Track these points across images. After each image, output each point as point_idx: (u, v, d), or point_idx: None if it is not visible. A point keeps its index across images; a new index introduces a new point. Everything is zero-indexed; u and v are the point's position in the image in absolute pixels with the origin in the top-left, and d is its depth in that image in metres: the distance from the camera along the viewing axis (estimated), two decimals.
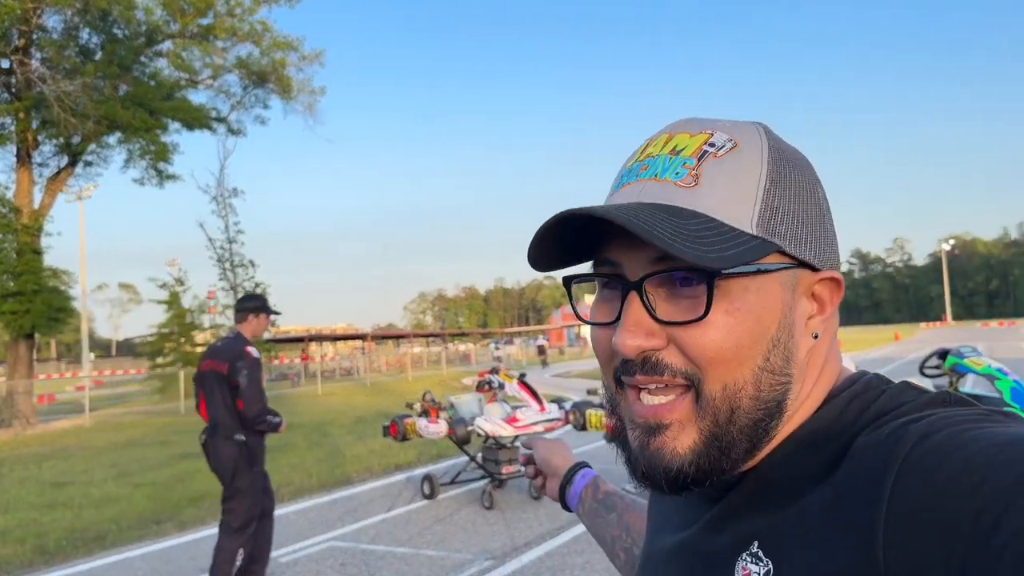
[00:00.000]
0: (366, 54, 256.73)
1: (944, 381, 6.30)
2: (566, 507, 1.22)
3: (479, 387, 8.72)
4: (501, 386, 8.47)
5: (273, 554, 6.40)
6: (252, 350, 5.15)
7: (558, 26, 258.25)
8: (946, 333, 60.28)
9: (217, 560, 5.03)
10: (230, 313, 37.21)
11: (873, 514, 0.50)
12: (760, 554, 0.59)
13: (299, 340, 49.03)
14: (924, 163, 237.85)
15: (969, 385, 6.05)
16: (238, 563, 5.07)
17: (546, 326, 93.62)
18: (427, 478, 8.24)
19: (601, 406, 7.28)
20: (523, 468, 1.32)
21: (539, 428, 7.84)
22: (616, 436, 0.70)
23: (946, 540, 0.46)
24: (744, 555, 0.60)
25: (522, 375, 8.48)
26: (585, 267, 0.70)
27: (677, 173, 0.63)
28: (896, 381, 0.64)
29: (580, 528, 6.64)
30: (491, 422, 7.81)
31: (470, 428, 7.83)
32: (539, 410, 7.89)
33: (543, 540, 6.35)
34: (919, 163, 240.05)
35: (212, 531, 7.34)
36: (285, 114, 54.70)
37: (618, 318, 0.63)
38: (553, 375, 30.15)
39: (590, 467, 1.23)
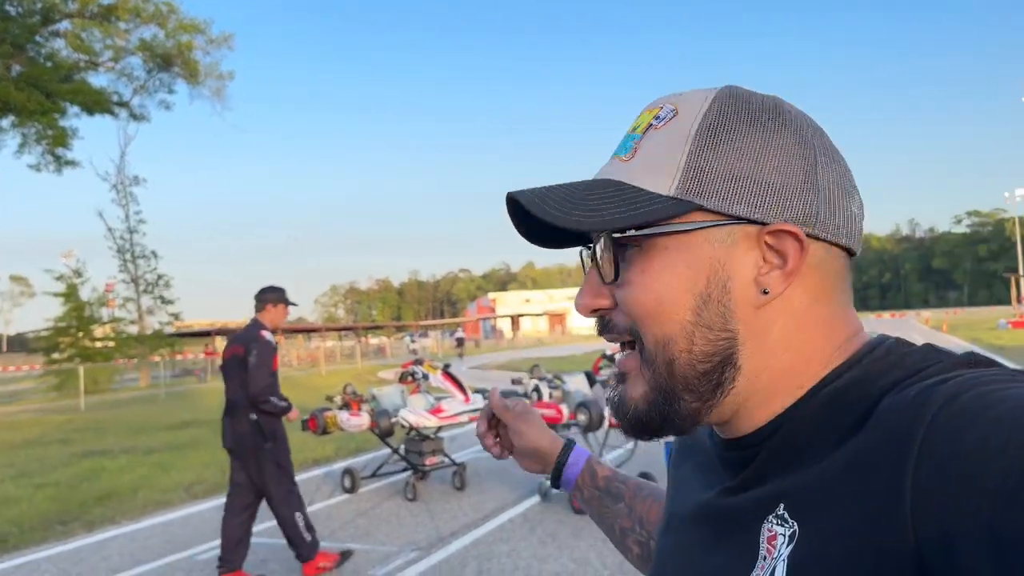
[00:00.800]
0: (280, 40, 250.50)
1: None
2: (557, 486, 1.15)
3: (402, 378, 8.64)
4: (425, 377, 8.42)
5: (189, 552, 6.23)
6: (267, 334, 5.44)
7: (473, 17, 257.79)
8: None
9: (287, 532, 5.47)
10: (131, 306, 35.80)
11: (900, 476, 0.50)
12: (786, 515, 0.59)
13: (204, 335, 47.41)
14: None
15: None
16: (301, 524, 5.47)
17: (461, 319, 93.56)
18: (347, 472, 8.14)
19: (525, 395, 7.36)
20: (478, 434, 1.17)
21: (464, 419, 7.85)
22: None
23: (974, 499, 0.45)
24: (770, 517, 0.60)
25: (446, 365, 8.45)
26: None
27: (625, 148, 0.68)
28: (920, 343, 0.64)
29: (506, 516, 6.71)
30: (415, 413, 7.76)
31: (394, 420, 7.75)
32: (464, 400, 7.89)
33: (469, 529, 6.36)
34: None
35: (124, 530, 7.11)
36: (191, 99, 52.92)
37: None
38: (470, 367, 30.17)
39: (576, 444, 1.15)
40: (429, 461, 7.91)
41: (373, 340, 62.44)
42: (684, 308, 0.63)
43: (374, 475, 8.33)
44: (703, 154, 0.63)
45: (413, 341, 41.25)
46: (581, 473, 1.11)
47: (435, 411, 7.84)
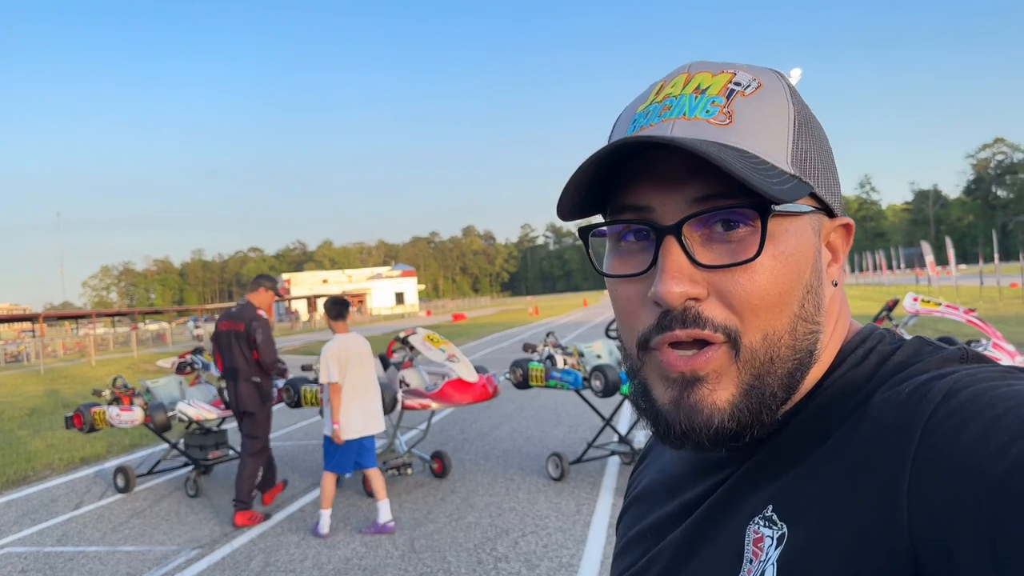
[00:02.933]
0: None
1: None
2: None
3: (180, 369, 8.15)
4: (206, 367, 8.00)
5: None
6: (262, 312, 6.47)
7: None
8: None
9: (242, 476, 6.27)
10: None
11: (897, 473, 0.49)
12: (774, 517, 0.56)
13: None
14: None
15: None
16: (257, 479, 6.38)
17: None
18: (120, 470, 7.59)
19: (315, 381, 7.20)
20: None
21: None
22: (635, 402, 0.65)
23: (974, 500, 0.44)
24: (756, 518, 0.58)
25: None
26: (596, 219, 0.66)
27: (708, 111, 0.60)
28: (908, 336, 0.63)
29: (296, 506, 6.58)
30: (195, 406, 7.37)
31: (171, 414, 7.32)
32: None
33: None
34: None
35: None
36: None
37: (649, 268, 0.59)
38: None
39: None
40: (212, 455, 7.57)
41: (151, 326, 58.22)
42: (795, 300, 0.59)
43: (151, 472, 7.85)
44: (804, 136, 0.61)
45: (197, 327, 38.82)
46: None
47: (217, 403, 7.50)
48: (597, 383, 6.59)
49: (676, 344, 0.59)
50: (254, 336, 6.37)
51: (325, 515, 5.77)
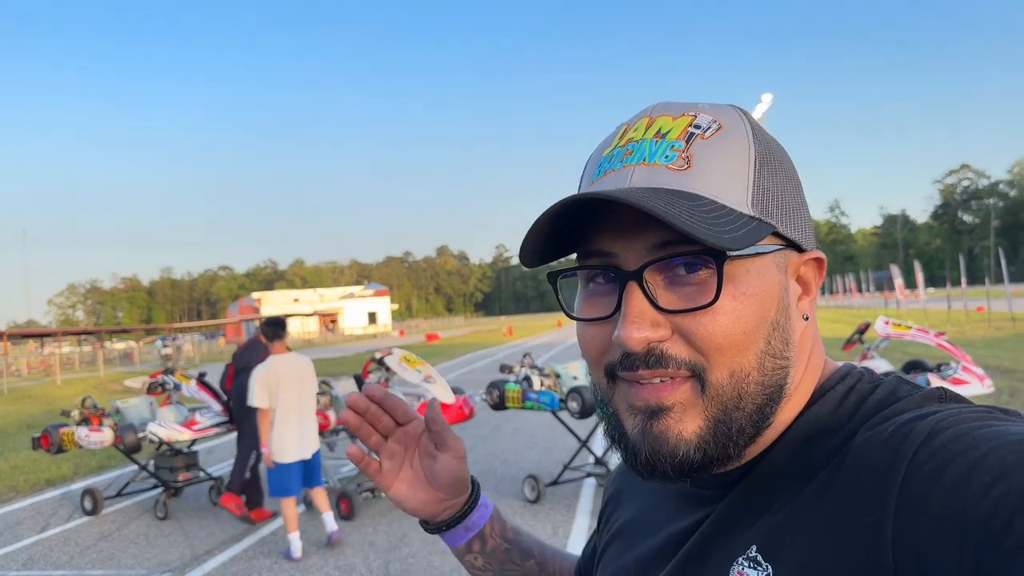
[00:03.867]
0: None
1: None
2: (437, 532, 0.90)
3: (151, 389, 8.03)
4: (177, 387, 7.89)
5: None
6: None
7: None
8: None
9: (238, 463, 6.69)
10: None
11: (881, 514, 0.49)
12: (759, 558, 0.57)
13: None
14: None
15: None
16: (251, 461, 6.66)
17: (222, 320, 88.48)
18: (88, 492, 7.44)
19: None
20: (350, 447, 0.81)
21: (221, 430, 7.47)
22: (607, 432, 0.66)
23: (958, 541, 0.45)
24: (740, 559, 0.58)
25: (202, 374, 7.98)
26: (569, 260, 0.67)
27: (667, 156, 0.61)
28: (884, 375, 0.64)
29: (267, 529, 6.48)
30: (166, 427, 7.25)
31: (141, 435, 7.20)
32: (222, 411, 7.50)
33: (226, 546, 6.07)
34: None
35: None
36: None
37: (614, 312, 0.61)
38: None
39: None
40: (182, 476, 7.44)
41: (119, 345, 57.32)
42: (761, 337, 0.59)
43: (119, 494, 7.69)
44: (765, 175, 0.61)
45: (166, 346, 38.21)
46: (491, 519, 0.91)
47: (189, 424, 7.38)
48: (574, 404, 6.59)
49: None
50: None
51: (294, 538, 5.71)
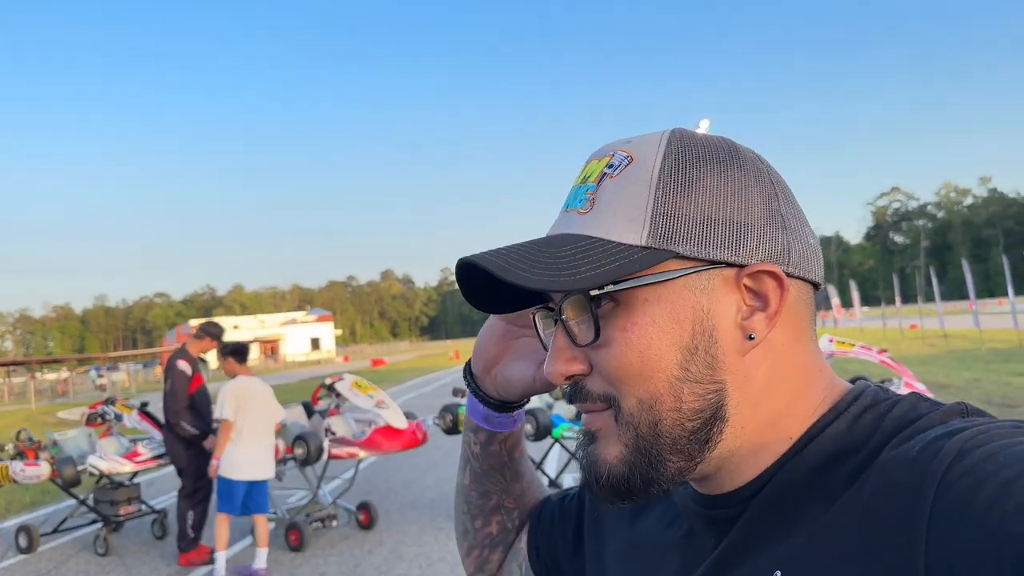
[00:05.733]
0: None
1: None
2: (507, 409, 0.87)
3: (90, 420, 7.75)
4: (118, 418, 7.64)
5: None
6: (182, 362, 6.48)
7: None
8: None
9: (179, 522, 6.44)
10: None
11: (911, 535, 0.48)
12: None
13: None
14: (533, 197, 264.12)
15: None
16: (190, 521, 6.44)
17: (158, 349, 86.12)
18: (23, 529, 7.12)
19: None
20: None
21: (164, 461, 7.22)
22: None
23: (994, 563, 0.44)
24: None
25: (143, 404, 7.74)
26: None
27: (580, 200, 0.64)
28: (901, 393, 0.63)
29: (219, 561, 6.27)
30: (107, 459, 7.00)
31: (81, 468, 6.93)
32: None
33: None
34: (528, 197, 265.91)
35: None
36: None
37: None
38: None
39: None
40: (124, 510, 7.17)
41: (50, 376, 55.24)
42: (670, 364, 0.59)
43: (56, 530, 7.39)
44: (669, 199, 0.60)
45: (101, 376, 36.96)
46: (520, 427, 0.91)
47: (131, 455, 7.14)
48: (528, 427, 6.56)
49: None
50: (166, 383, 6.51)
51: (220, 557, 5.81)
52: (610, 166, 0.64)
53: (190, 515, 6.46)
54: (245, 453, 5.75)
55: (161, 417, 6.91)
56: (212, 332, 6.71)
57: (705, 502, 0.65)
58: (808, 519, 0.56)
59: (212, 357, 8.34)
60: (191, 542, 6.41)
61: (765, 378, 0.61)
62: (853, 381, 0.66)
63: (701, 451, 0.61)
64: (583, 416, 0.65)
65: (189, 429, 6.45)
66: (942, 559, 0.46)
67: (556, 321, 0.64)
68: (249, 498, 5.79)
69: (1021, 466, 0.46)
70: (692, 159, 0.62)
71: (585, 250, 0.60)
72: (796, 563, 0.55)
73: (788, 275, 0.61)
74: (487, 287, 0.67)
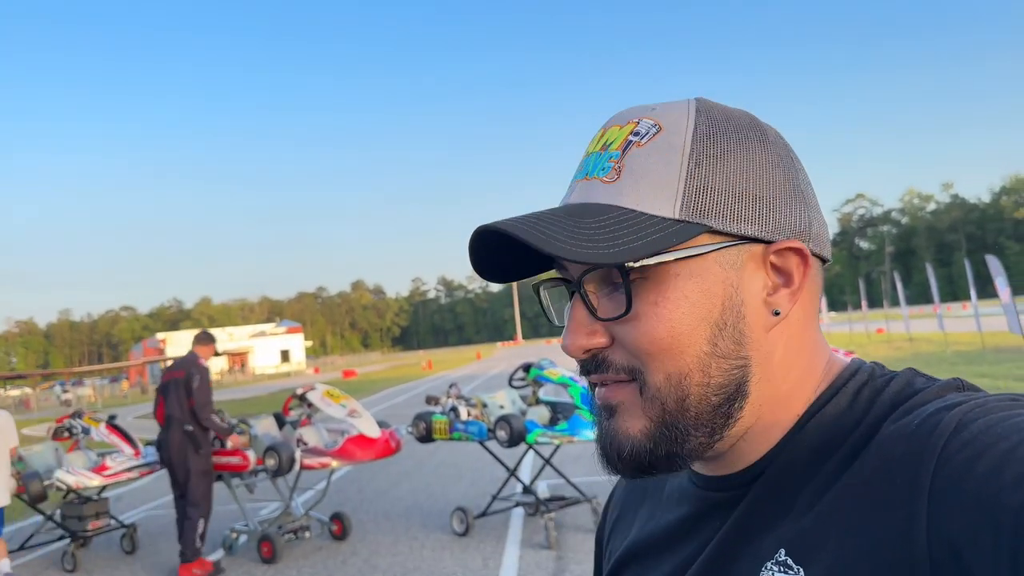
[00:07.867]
0: None
1: (529, 391, 7.18)
2: None
3: (56, 434, 7.62)
4: (86, 431, 7.51)
5: None
6: (204, 362, 6.66)
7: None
8: (519, 351, 67.53)
9: (184, 530, 6.30)
10: None
11: (913, 507, 0.49)
12: (789, 561, 0.56)
13: None
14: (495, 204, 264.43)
15: (550, 393, 6.95)
16: (200, 530, 6.32)
17: (125, 363, 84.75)
18: None
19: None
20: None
21: (135, 474, 7.14)
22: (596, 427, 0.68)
23: (993, 532, 0.45)
24: (769, 563, 0.57)
25: (111, 417, 7.63)
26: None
27: (603, 169, 0.62)
28: (899, 369, 0.63)
29: None
30: (75, 473, 6.88)
31: (47, 483, 6.82)
32: (134, 454, 7.18)
33: None
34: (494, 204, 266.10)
35: None
36: None
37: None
38: (137, 416, 27.33)
39: None
40: (92, 525, 7.08)
41: (13, 392, 54.13)
42: (700, 339, 0.59)
43: (23, 547, 7.26)
44: (702, 172, 0.59)
45: (66, 391, 36.22)
46: None
47: (99, 469, 7.03)
48: (502, 433, 6.56)
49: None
50: (192, 382, 6.46)
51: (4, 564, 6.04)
52: (635, 133, 0.62)
53: (201, 523, 6.32)
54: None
55: (141, 430, 6.85)
56: (214, 338, 6.96)
57: (708, 484, 0.66)
58: (810, 497, 0.57)
59: None
60: (196, 552, 6.25)
61: (783, 355, 0.62)
62: None
63: (723, 427, 0.60)
64: (598, 390, 0.64)
65: (220, 424, 6.63)
66: (943, 531, 0.47)
67: (573, 293, 0.63)
68: None
69: (1018, 437, 0.47)
70: (722, 131, 0.61)
71: (619, 221, 0.58)
72: (800, 541, 0.56)
73: (810, 252, 0.62)
74: (489, 256, 0.65)
